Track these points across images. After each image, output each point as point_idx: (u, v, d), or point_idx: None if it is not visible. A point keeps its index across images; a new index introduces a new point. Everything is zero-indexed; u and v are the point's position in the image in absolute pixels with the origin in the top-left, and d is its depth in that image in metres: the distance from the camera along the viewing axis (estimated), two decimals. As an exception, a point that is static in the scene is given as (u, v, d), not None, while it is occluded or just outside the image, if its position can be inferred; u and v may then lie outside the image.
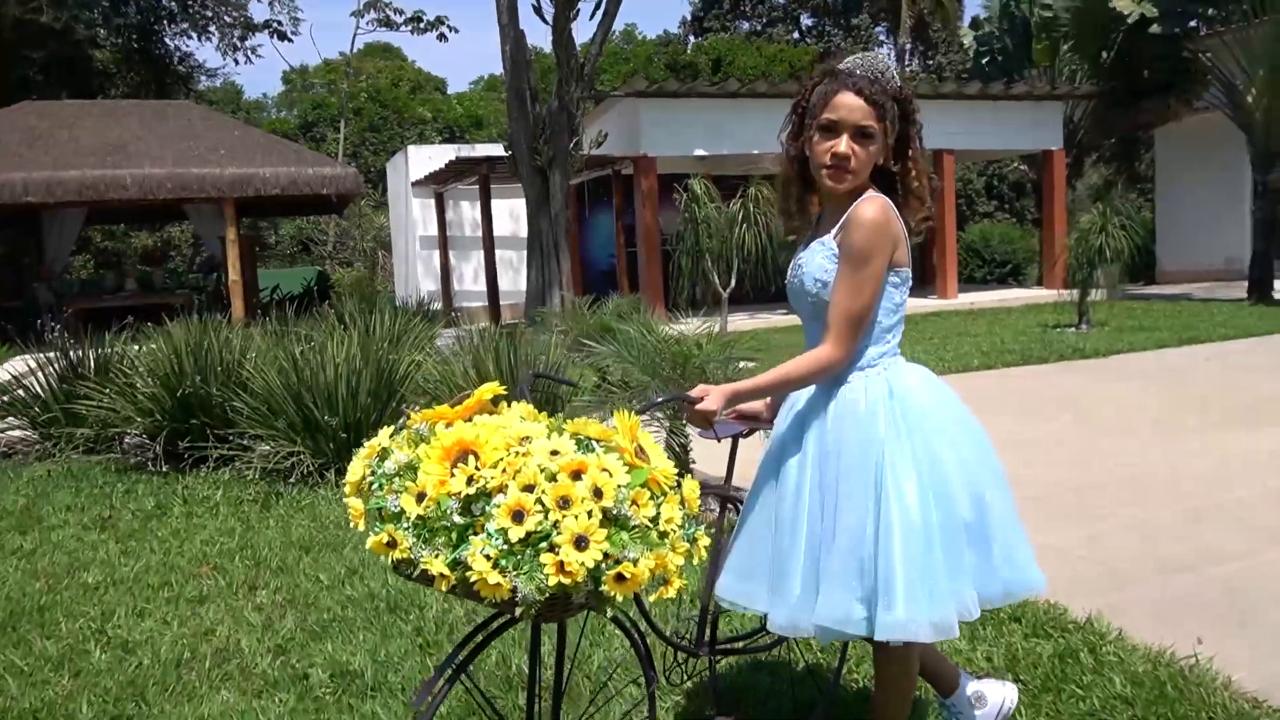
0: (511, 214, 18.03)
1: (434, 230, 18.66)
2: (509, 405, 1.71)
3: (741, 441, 2.42)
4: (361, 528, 1.63)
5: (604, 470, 1.50)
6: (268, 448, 5.27)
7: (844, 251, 1.99)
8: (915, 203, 2.05)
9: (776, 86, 15.20)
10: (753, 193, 9.51)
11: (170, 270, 19.53)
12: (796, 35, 36.88)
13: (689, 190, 9.51)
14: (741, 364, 4.38)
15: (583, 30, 38.89)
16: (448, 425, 1.63)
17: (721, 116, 14.79)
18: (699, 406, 1.97)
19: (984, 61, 20.90)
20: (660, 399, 2.55)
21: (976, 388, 7.88)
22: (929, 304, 16.13)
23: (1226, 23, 15.02)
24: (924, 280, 20.76)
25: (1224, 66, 15.13)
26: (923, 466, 1.94)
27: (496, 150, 15.50)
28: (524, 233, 15.26)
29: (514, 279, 18.05)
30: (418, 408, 1.83)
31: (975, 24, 21.42)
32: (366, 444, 1.68)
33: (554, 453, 1.51)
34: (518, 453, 1.52)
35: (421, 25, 27.69)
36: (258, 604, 3.58)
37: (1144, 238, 12.47)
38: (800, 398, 2.12)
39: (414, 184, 18.61)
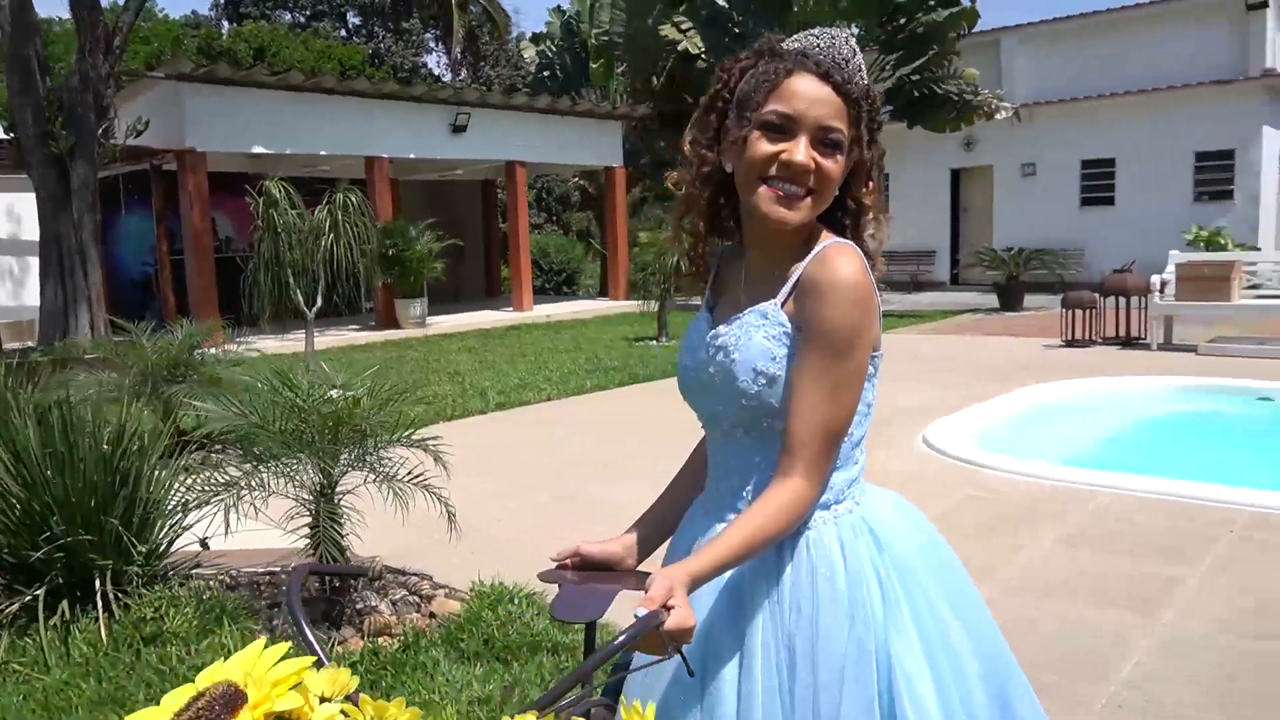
0: (9, 212, 14.63)
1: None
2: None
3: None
4: None
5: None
6: None
7: (813, 332, 1.31)
8: (868, 250, 1.40)
9: (348, 83, 13.98)
10: (340, 199, 8.40)
11: None
12: (344, 33, 35.09)
13: (265, 194, 8.15)
14: (424, 437, 3.48)
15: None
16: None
17: (283, 110, 13.20)
18: (674, 620, 1.13)
19: (545, 77, 21.34)
20: (620, 638, 1.12)
21: (603, 410, 7.63)
22: (506, 317, 15.93)
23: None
24: (490, 292, 20.75)
25: (758, 100, 16.81)
26: (935, 652, 1.31)
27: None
28: (27, 235, 12.36)
29: (14, 292, 14.70)
30: None
31: (537, 39, 21.73)
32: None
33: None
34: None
35: None
36: None
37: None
38: None
39: None
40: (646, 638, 1.12)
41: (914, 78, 15.26)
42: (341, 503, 3.40)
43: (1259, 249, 14.59)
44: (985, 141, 18.33)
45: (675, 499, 1.60)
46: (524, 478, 5.62)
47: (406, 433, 3.36)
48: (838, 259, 1.32)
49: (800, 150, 1.30)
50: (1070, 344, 10.44)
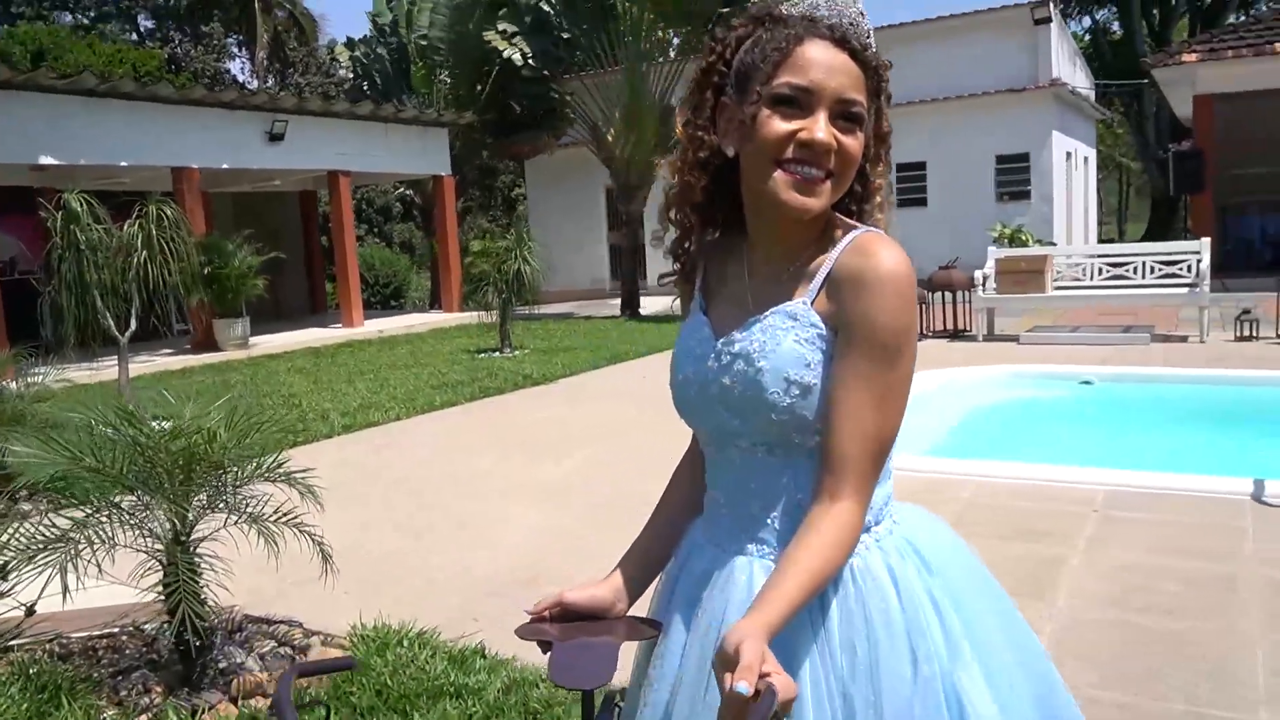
0: None
1: None
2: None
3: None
4: None
5: None
6: None
7: (857, 334, 1.15)
8: None
9: (150, 89, 12.88)
10: (152, 212, 7.64)
11: None
12: (135, 36, 32.66)
13: (64, 208, 7.31)
14: (290, 470, 3.09)
15: None
16: None
17: (75, 117, 12.02)
18: (782, 690, 0.92)
19: (362, 84, 20.52)
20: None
21: (458, 426, 7.28)
22: (335, 334, 15.16)
23: (586, 68, 16.61)
24: (315, 309, 19.75)
25: (587, 107, 16.75)
26: (996, 679, 1.17)
27: None
28: None
29: None
30: None
31: (351, 44, 20.86)
32: None
33: None
34: None
35: None
36: None
37: (545, 261, 13.11)
38: (728, 587, 1.21)
39: None
40: (742, 714, 0.92)
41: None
42: (197, 550, 2.98)
43: (1055, 244, 15.76)
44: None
45: (661, 532, 1.40)
46: (388, 504, 5.24)
47: (274, 466, 2.99)
48: (881, 249, 1.16)
49: (820, 127, 1.14)
50: (903, 338, 10.88)
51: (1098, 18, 31.59)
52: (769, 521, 1.22)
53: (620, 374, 9.86)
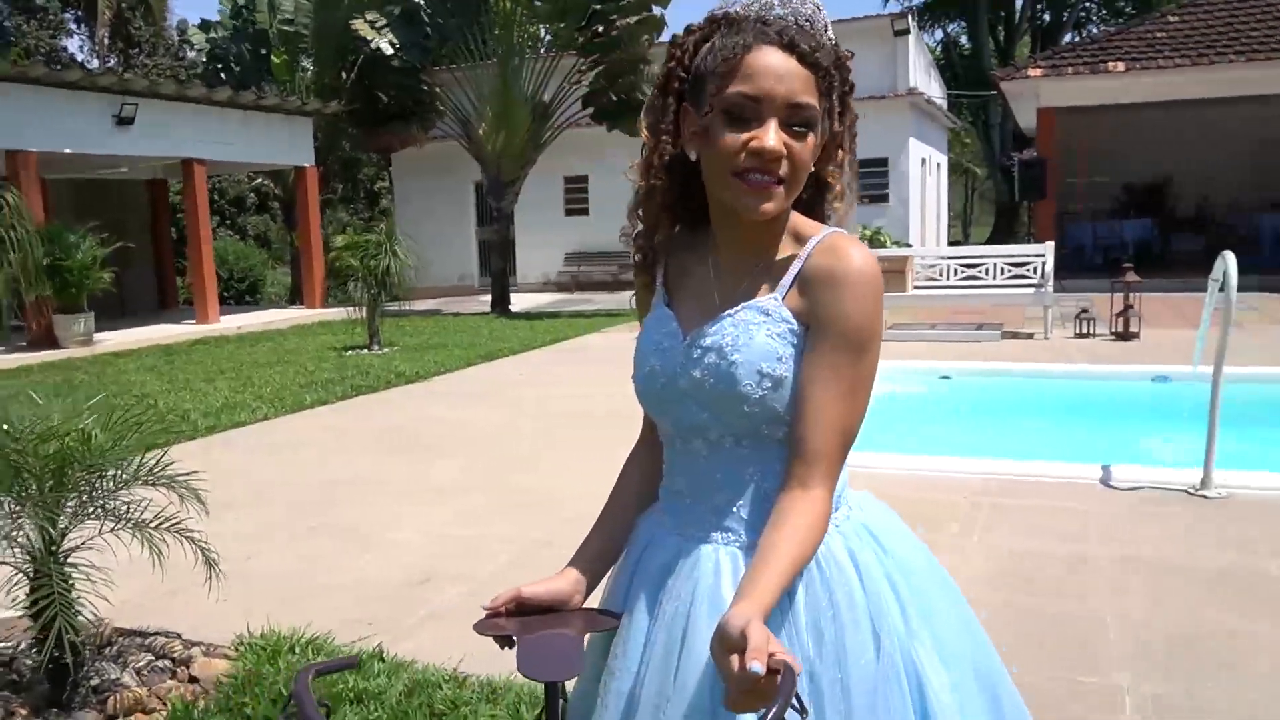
0: None
1: None
2: None
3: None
4: None
5: None
6: None
7: (828, 328, 1.20)
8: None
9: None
10: (11, 200, 7.07)
11: None
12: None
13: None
14: (176, 473, 2.92)
15: None
16: None
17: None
18: (782, 658, 0.96)
19: (217, 68, 19.56)
20: (775, 708, 0.94)
21: (331, 425, 7.05)
22: (189, 330, 14.43)
23: (457, 61, 16.33)
24: (165, 304, 18.72)
25: (459, 100, 16.47)
26: (946, 654, 1.24)
27: None
28: None
29: None
30: None
31: (205, 26, 19.85)
32: None
33: None
34: None
35: None
36: None
37: (414, 256, 12.82)
38: (695, 575, 1.24)
39: None
40: (754, 693, 0.95)
41: (611, 82, 15.66)
42: (69, 560, 2.80)
43: (910, 245, 16.51)
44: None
45: (615, 524, 1.41)
46: (262, 506, 5.04)
47: (155, 468, 2.83)
48: (851, 249, 1.22)
49: (770, 135, 1.18)
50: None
51: (950, 31, 33.24)
52: (735, 510, 1.26)
53: (495, 371, 9.76)
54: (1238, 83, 14.51)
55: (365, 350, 11.52)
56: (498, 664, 2.96)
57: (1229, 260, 4.62)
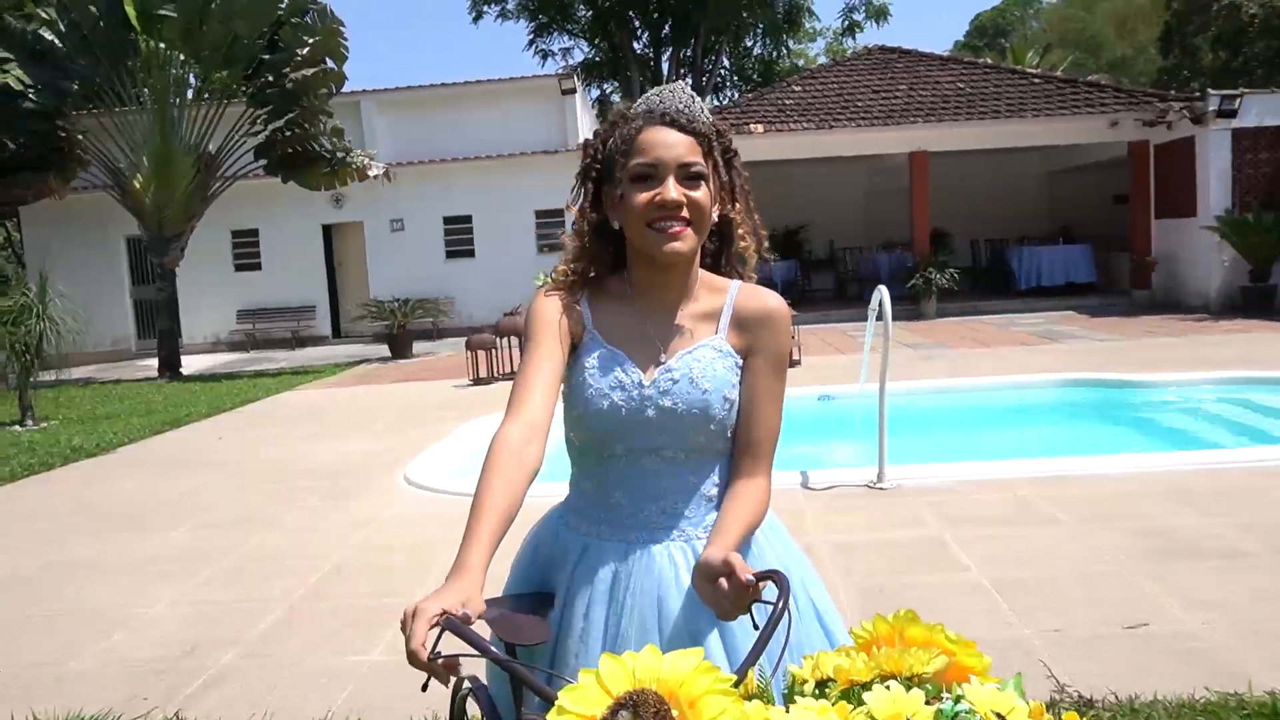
0: None
1: None
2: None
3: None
4: None
5: None
6: None
7: (769, 356, 1.59)
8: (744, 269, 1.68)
9: None
10: None
11: None
12: None
13: None
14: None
15: None
16: None
17: None
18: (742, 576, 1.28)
19: None
20: (781, 604, 1.21)
21: (15, 512, 6.28)
22: None
23: (104, 105, 15.01)
24: None
25: (107, 149, 15.11)
26: (818, 587, 1.67)
27: None
28: None
29: None
30: None
31: None
32: None
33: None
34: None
35: None
36: None
37: (80, 319, 11.60)
38: (654, 570, 1.53)
39: None
40: (739, 603, 1.26)
41: (286, 133, 15.16)
42: None
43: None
44: (353, 198, 18.86)
45: (502, 520, 1.40)
46: (-43, 604, 4.47)
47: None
48: (768, 295, 1.61)
49: (670, 189, 1.51)
50: (477, 382, 11.41)
51: (604, 89, 35.45)
52: (682, 513, 1.56)
53: (189, 435, 9.14)
54: (849, 144, 17.04)
55: (19, 426, 10.28)
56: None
57: (884, 293, 5.61)
